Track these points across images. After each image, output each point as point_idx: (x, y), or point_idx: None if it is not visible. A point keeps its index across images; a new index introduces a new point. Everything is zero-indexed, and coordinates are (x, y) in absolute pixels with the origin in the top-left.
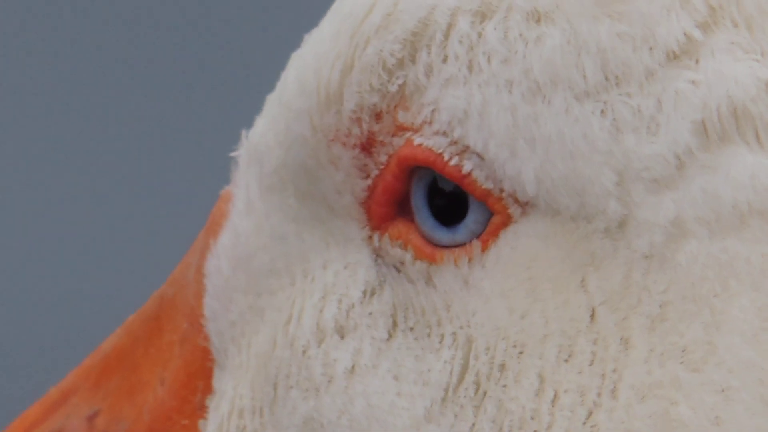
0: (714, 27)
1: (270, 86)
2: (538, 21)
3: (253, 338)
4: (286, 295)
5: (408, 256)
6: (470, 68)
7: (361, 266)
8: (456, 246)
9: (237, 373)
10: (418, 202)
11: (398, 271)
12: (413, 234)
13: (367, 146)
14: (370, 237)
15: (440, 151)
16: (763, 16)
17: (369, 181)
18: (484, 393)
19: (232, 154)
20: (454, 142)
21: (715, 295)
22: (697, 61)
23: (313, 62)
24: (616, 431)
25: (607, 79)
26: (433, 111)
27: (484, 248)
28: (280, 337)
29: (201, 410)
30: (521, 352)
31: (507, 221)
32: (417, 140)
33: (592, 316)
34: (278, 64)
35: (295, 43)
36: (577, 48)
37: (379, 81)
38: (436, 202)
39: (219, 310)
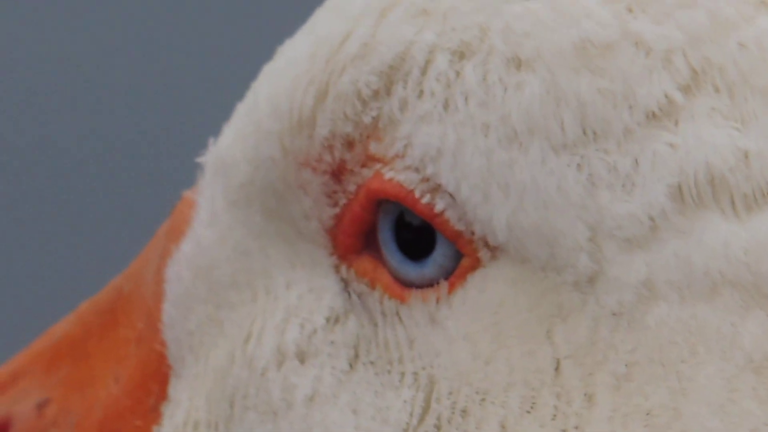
0: (695, 91)
1: (240, 91)
2: (518, 67)
3: (211, 351)
4: (247, 310)
5: (375, 294)
6: (446, 106)
7: (327, 292)
8: (424, 281)
9: (193, 383)
10: (385, 235)
11: (365, 302)
12: (381, 272)
13: (338, 174)
14: (338, 265)
15: (411, 187)
16: (744, 84)
17: (337, 210)
18: None
19: (198, 159)
20: (426, 180)
21: (682, 361)
22: (676, 124)
23: (286, 83)
24: None
25: (585, 133)
26: (405, 145)
27: (451, 290)
28: (238, 355)
29: (155, 414)
30: (484, 399)
31: (476, 264)
32: (387, 174)
33: (557, 368)
34: (247, 69)
35: (262, 49)
36: (556, 99)
37: (353, 111)
38: (402, 236)
39: (177, 318)
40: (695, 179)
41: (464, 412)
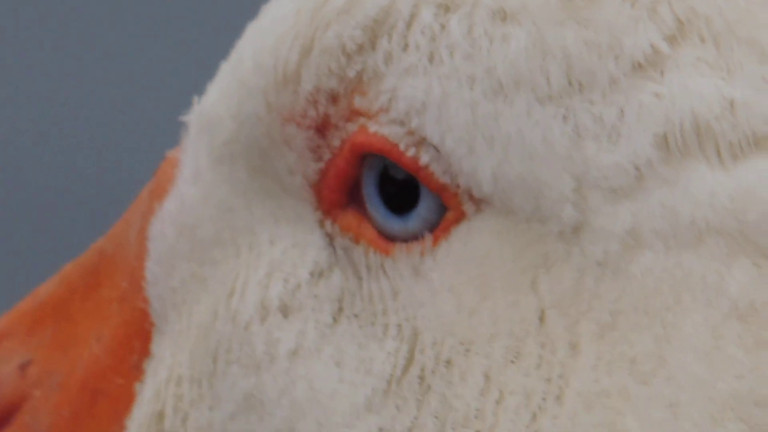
0: (681, 41)
1: (224, 51)
2: (503, 20)
3: (195, 307)
4: (230, 267)
5: (360, 248)
6: (431, 59)
7: (312, 247)
8: (408, 235)
9: (177, 339)
10: (370, 189)
11: (350, 257)
12: (365, 226)
13: (322, 128)
14: (322, 220)
15: (396, 140)
16: (730, 35)
17: (321, 164)
18: (429, 387)
19: (182, 118)
20: (411, 133)
21: (667, 309)
22: (662, 74)
23: (271, 40)
24: None
25: (570, 84)
26: (390, 99)
27: (436, 243)
28: (222, 310)
29: (137, 371)
30: (468, 350)
31: (461, 217)
32: (372, 127)
33: (541, 318)
34: (233, 29)
35: (251, 11)
36: (542, 51)
37: (337, 65)
38: (386, 190)
39: (161, 275)
40: (681, 128)
41: (448, 362)
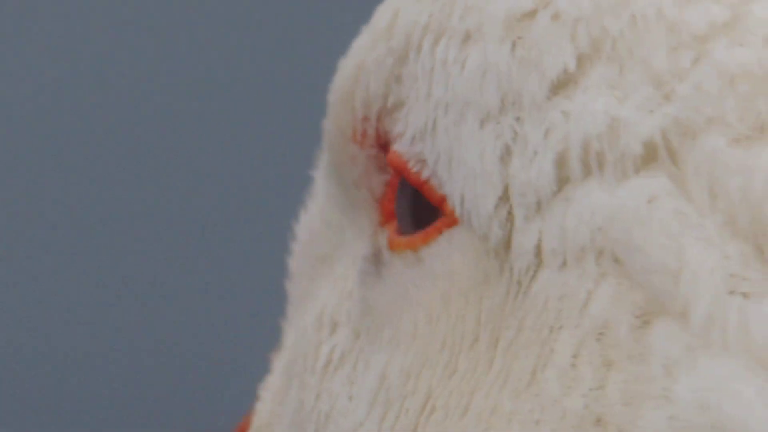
0: (595, 60)
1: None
2: (466, 42)
3: (291, 326)
4: (325, 282)
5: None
6: (429, 88)
7: (361, 260)
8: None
9: (279, 355)
10: (401, 203)
11: (384, 268)
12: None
13: (383, 146)
14: (375, 234)
15: (407, 158)
16: (630, 55)
17: (387, 176)
18: (391, 403)
19: None
20: (417, 154)
21: (550, 328)
22: (574, 92)
23: (348, 64)
24: None
25: (503, 103)
26: (405, 125)
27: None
28: (300, 327)
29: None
30: (423, 363)
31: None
32: (394, 147)
33: (477, 334)
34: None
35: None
36: (483, 71)
37: (376, 89)
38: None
39: (293, 294)
40: (577, 148)
41: (407, 375)
